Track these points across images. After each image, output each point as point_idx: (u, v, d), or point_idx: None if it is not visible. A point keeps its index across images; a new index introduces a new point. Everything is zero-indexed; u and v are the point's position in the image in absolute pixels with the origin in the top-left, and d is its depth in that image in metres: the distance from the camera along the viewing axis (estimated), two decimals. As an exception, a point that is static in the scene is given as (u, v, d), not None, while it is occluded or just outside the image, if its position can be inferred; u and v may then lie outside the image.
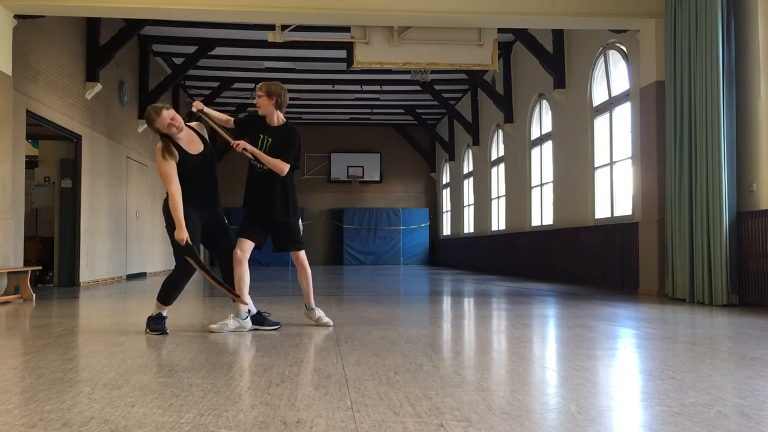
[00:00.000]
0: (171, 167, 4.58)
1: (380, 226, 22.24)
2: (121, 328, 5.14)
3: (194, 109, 4.94)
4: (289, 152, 4.81)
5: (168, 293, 4.75)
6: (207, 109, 5.00)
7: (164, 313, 4.77)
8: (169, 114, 4.61)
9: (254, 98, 5.14)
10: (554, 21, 9.00)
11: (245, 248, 4.85)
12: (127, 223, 13.20)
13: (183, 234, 4.49)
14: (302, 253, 5.04)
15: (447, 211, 21.54)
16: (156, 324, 4.70)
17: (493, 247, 15.73)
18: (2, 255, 7.91)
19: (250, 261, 4.97)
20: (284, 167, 4.78)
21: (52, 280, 10.71)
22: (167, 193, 4.62)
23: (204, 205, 4.78)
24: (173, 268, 4.77)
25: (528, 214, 13.71)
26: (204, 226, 4.80)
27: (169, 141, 4.64)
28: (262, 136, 4.88)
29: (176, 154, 4.62)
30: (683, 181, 7.48)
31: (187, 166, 4.66)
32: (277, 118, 4.97)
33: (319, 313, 5.09)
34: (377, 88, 17.16)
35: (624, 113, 9.69)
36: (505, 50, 14.21)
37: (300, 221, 5.02)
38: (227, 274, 4.92)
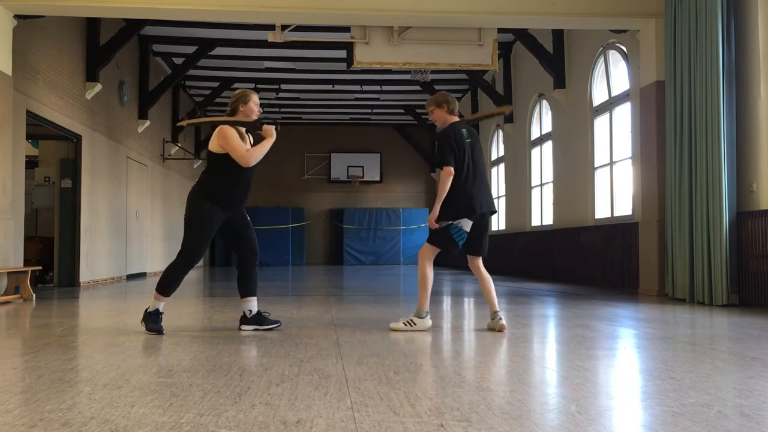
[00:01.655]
0: (239, 141, 4.67)
1: (380, 226, 22.23)
2: (121, 328, 5.14)
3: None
4: (438, 155, 4.85)
5: (167, 283, 4.73)
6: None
7: (161, 308, 4.75)
8: (256, 98, 4.85)
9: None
10: (554, 21, 9.00)
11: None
12: (127, 223, 13.20)
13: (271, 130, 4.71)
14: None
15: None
16: (153, 323, 4.69)
17: (493, 247, 15.70)
18: (2, 255, 7.91)
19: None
20: (442, 174, 4.79)
21: (52, 280, 10.71)
22: (199, 182, 4.75)
23: (233, 206, 4.81)
24: (175, 257, 4.75)
25: (528, 214, 13.71)
26: (227, 221, 4.81)
27: (239, 131, 4.73)
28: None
29: (245, 138, 4.75)
30: (683, 181, 7.48)
31: (232, 159, 4.70)
32: (446, 122, 5.00)
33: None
34: (377, 88, 17.16)
35: (624, 113, 9.69)
36: (505, 50, 14.21)
37: (456, 221, 4.84)
38: (244, 268, 4.91)
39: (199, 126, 5.38)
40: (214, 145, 4.73)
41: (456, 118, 5.00)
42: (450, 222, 4.78)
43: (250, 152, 4.65)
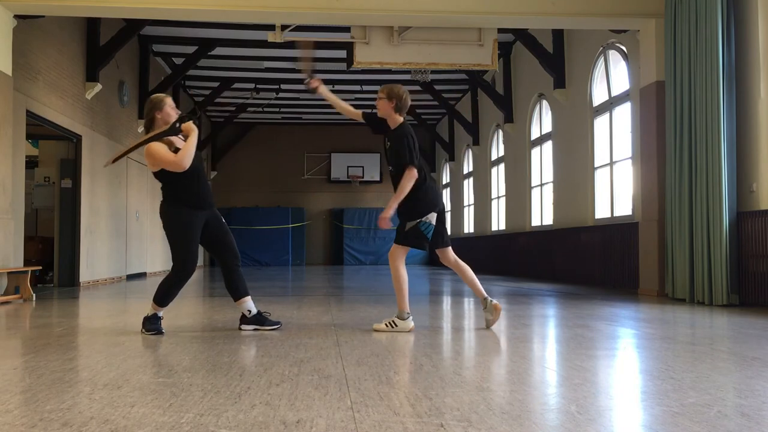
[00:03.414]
0: (167, 150, 4.60)
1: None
2: (121, 328, 5.14)
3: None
4: (403, 155, 4.76)
5: (164, 295, 4.74)
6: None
7: (160, 314, 4.76)
8: (170, 101, 4.78)
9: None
10: (554, 21, 9.00)
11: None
12: (127, 223, 13.20)
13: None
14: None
15: (447, 211, 21.54)
16: (151, 324, 4.69)
17: (493, 247, 15.73)
18: (2, 255, 7.91)
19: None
20: (407, 173, 4.73)
21: (52, 280, 10.71)
22: (164, 197, 4.68)
23: (206, 203, 4.79)
24: (170, 269, 4.76)
25: (528, 214, 13.71)
26: (204, 227, 4.79)
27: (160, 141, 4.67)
28: (385, 138, 4.95)
29: (171, 143, 4.65)
30: (683, 181, 7.48)
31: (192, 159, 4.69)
32: (395, 121, 4.94)
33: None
34: (377, 88, 17.13)
35: (624, 113, 9.70)
36: (505, 50, 14.21)
37: (418, 219, 4.86)
38: (228, 272, 4.90)
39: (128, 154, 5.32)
40: (152, 167, 4.68)
41: (402, 119, 4.94)
42: (419, 220, 4.80)
43: (179, 157, 4.57)
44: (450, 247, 5.05)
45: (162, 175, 4.68)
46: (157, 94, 4.88)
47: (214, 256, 5.05)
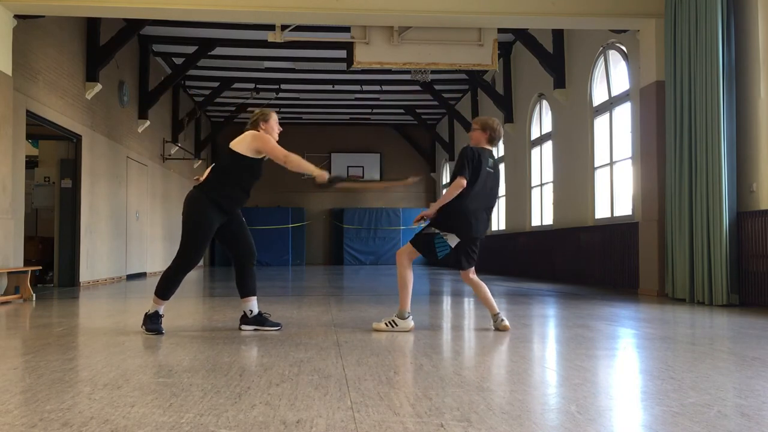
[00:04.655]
0: (276, 143, 4.78)
1: (380, 226, 22.23)
2: (121, 328, 5.14)
3: None
4: (456, 168, 4.89)
5: (166, 287, 4.75)
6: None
7: (161, 311, 4.76)
8: (276, 117, 4.98)
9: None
10: (554, 21, 9.00)
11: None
12: (127, 223, 13.20)
13: (321, 172, 4.66)
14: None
15: (447, 211, 21.49)
16: (152, 323, 4.70)
17: (493, 247, 15.72)
18: (2, 255, 7.91)
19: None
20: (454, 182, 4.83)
21: (52, 280, 10.71)
22: (201, 185, 4.76)
23: (232, 210, 4.82)
24: (173, 260, 4.75)
25: (528, 214, 13.71)
26: (223, 224, 4.81)
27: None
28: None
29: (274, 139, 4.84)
30: (683, 181, 7.48)
31: (255, 170, 4.78)
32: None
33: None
34: (377, 88, 17.16)
35: (624, 113, 9.69)
36: (505, 50, 14.21)
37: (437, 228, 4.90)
38: (241, 268, 4.90)
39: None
40: (243, 147, 4.72)
41: (490, 148, 5.03)
42: (437, 231, 4.81)
43: (290, 156, 4.71)
44: (472, 268, 5.07)
45: (231, 161, 4.72)
46: (267, 109, 5.06)
47: (230, 251, 5.01)
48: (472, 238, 4.90)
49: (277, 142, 4.88)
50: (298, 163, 4.72)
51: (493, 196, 5.02)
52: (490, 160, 4.96)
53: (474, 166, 4.80)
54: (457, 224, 4.82)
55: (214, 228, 4.74)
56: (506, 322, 4.91)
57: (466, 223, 4.82)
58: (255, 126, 4.87)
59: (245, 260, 4.90)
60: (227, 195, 4.74)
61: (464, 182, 4.75)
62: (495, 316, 4.95)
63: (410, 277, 4.89)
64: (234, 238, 4.90)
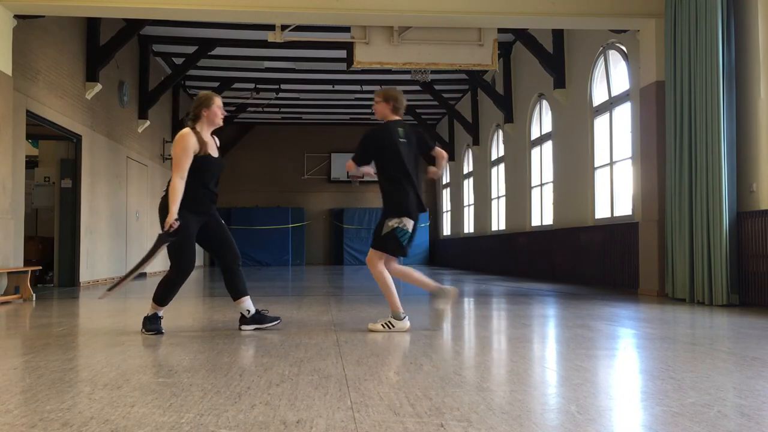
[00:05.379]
0: (189, 156, 4.57)
1: (380, 226, 22.21)
2: (121, 328, 5.14)
3: None
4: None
5: (164, 294, 4.74)
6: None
7: (160, 313, 4.76)
8: (219, 101, 4.78)
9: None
10: (554, 21, 9.00)
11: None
12: (127, 223, 13.20)
13: (172, 218, 4.47)
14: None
15: (447, 211, 21.52)
16: (151, 324, 4.69)
17: (493, 247, 15.73)
18: (2, 255, 7.91)
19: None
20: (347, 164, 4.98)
21: (52, 280, 10.71)
22: (167, 188, 4.62)
23: (205, 210, 4.78)
24: (169, 268, 4.75)
25: (528, 214, 13.71)
26: (203, 228, 4.79)
27: (199, 135, 4.66)
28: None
29: (205, 143, 4.64)
30: (683, 181, 7.48)
31: (207, 165, 4.68)
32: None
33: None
34: (377, 88, 17.13)
35: (624, 113, 9.69)
36: (505, 50, 14.22)
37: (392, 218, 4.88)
38: (228, 272, 4.89)
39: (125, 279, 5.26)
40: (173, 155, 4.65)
41: (397, 117, 5.00)
42: (396, 226, 4.78)
43: (175, 184, 4.52)
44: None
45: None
46: (208, 92, 4.87)
47: (214, 255, 5.03)
48: (423, 209, 4.90)
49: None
50: (173, 194, 4.50)
51: (417, 164, 4.98)
52: (401, 130, 4.92)
53: (383, 144, 4.82)
54: (404, 200, 4.80)
55: (194, 231, 4.69)
56: (448, 286, 4.92)
57: (408, 202, 4.80)
58: (197, 114, 4.71)
59: (231, 263, 4.86)
60: (193, 197, 4.65)
61: (352, 164, 4.90)
62: (438, 290, 4.89)
63: (388, 277, 4.84)
64: (216, 241, 4.87)
